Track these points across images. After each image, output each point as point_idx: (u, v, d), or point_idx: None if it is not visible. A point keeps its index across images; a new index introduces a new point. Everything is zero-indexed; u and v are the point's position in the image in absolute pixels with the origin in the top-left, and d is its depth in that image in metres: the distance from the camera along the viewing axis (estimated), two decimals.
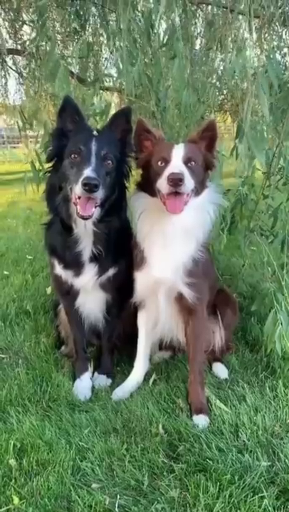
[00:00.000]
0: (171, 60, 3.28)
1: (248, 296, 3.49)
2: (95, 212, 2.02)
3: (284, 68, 3.53)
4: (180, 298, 2.20)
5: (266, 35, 3.75)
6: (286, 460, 1.81)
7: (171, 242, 2.13)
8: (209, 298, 2.42)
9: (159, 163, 2.04)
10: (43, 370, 2.50)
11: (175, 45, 3.07)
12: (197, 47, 4.67)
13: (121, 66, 2.99)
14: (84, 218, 1.97)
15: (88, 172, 1.86)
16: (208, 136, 2.13)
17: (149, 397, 2.27)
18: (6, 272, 4.24)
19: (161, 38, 3.26)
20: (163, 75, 3.43)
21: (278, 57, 3.93)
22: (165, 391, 2.33)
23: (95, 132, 2.09)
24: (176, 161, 2.01)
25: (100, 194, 1.93)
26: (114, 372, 2.57)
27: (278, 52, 3.74)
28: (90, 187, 1.84)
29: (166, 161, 2.02)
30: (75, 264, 2.23)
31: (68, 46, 5.61)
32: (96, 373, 2.54)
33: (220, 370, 2.55)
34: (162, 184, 1.97)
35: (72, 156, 1.99)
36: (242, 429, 2.00)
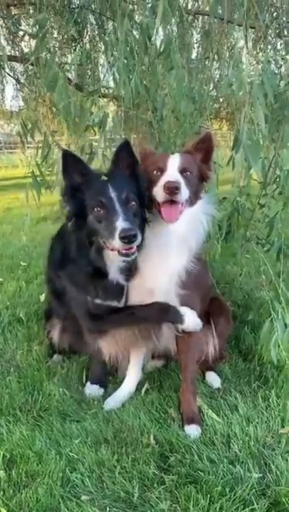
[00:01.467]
0: (168, 70, 3.31)
1: (242, 305, 3.49)
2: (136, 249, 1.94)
3: (279, 79, 3.55)
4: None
5: (262, 45, 3.79)
6: (277, 472, 1.79)
7: (165, 251, 2.13)
8: (202, 307, 2.42)
9: (155, 172, 2.06)
10: (35, 378, 2.49)
11: (172, 56, 3.10)
12: (194, 56, 4.72)
13: (118, 76, 3.02)
14: (128, 256, 1.90)
15: (122, 224, 1.79)
16: (204, 148, 2.15)
17: (141, 407, 2.26)
18: None
19: (158, 48, 3.29)
20: (160, 84, 3.47)
21: (273, 68, 3.96)
22: (157, 400, 2.32)
23: (104, 178, 2.01)
24: (172, 170, 2.02)
25: (138, 239, 1.86)
26: (106, 382, 2.55)
27: (274, 63, 3.77)
28: (129, 239, 1.78)
29: (162, 170, 2.03)
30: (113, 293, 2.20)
31: (66, 53, 5.65)
32: (88, 383, 2.52)
33: (213, 379, 2.54)
34: (158, 192, 1.99)
35: (96, 210, 1.90)
36: (234, 439, 1.99)
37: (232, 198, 3.11)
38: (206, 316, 2.58)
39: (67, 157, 1.99)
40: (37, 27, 2.91)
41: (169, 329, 2.27)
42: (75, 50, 5.30)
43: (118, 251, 1.87)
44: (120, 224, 1.80)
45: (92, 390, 2.48)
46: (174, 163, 2.04)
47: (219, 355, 2.65)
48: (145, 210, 2.10)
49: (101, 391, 2.49)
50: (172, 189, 1.91)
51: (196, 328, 2.19)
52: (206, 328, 2.59)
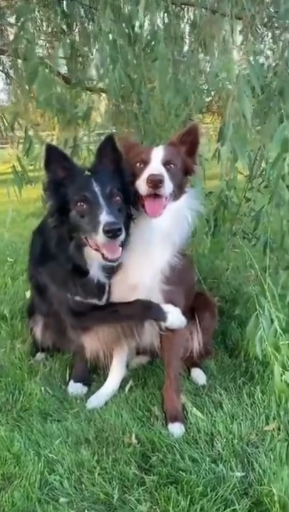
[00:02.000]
0: (152, 61, 3.25)
1: (230, 300, 3.45)
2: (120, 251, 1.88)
3: (266, 71, 3.50)
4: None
5: (249, 36, 3.72)
6: (260, 470, 1.76)
7: (148, 247, 2.09)
8: (187, 303, 2.38)
9: (138, 164, 2.01)
10: (16, 377, 2.44)
11: (156, 47, 3.04)
12: (184, 49, 4.64)
13: (101, 67, 2.95)
14: (112, 261, 1.86)
15: (106, 218, 1.73)
16: (189, 141, 2.10)
17: (124, 405, 2.22)
18: None
19: (143, 39, 3.23)
20: (145, 76, 3.41)
21: (262, 59, 3.90)
22: (141, 398, 2.28)
23: (88, 173, 1.95)
24: (156, 162, 1.97)
25: (122, 235, 1.79)
26: (90, 380, 2.51)
27: (262, 54, 3.70)
28: (113, 233, 1.72)
29: (145, 163, 1.98)
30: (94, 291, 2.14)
31: (54, 46, 5.55)
32: (71, 381, 2.47)
33: (198, 375, 2.51)
34: (141, 185, 1.93)
35: (79, 204, 1.84)
36: (217, 437, 1.96)
37: (218, 192, 3.07)
38: (191, 312, 2.55)
39: (51, 151, 1.94)
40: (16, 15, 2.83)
41: (152, 326, 2.23)
42: (63, 43, 5.22)
43: (102, 255, 1.83)
44: (104, 218, 1.74)
45: (75, 388, 2.43)
46: (157, 155, 1.99)
47: (204, 350, 2.61)
48: (130, 206, 2.04)
49: (84, 389, 2.44)
50: (155, 182, 1.86)
51: (179, 325, 2.15)
52: (190, 323, 2.55)
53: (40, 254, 2.22)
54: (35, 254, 2.34)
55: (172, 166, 2.00)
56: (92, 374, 2.57)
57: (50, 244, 2.04)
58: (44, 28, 5.37)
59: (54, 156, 1.93)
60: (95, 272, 2.03)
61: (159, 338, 2.30)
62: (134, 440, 1.94)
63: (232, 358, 2.68)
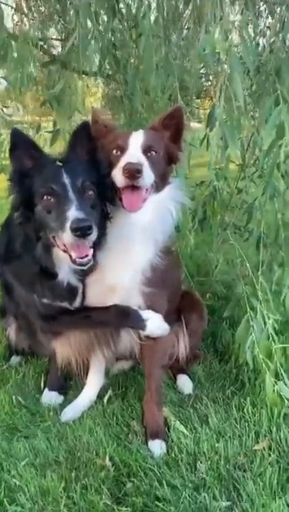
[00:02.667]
0: (137, 38, 2.98)
1: (222, 297, 3.24)
2: (92, 255, 1.64)
3: (263, 50, 3.23)
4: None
5: (244, 10, 3.44)
6: (248, 499, 1.57)
7: (128, 244, 1.85)
8: (171, 305, 2.17)
9: (114, 151, 1.77)
10: None
11: (142, 22, 2.76)
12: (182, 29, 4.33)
13: (79, 44, 2.68)
14: (81, 265, 1.61)
15: (74, 213, 1.50)
16: (174, 125, 1.86)
17: (100, 419, 2.02)
18: None
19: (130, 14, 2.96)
20: (130, 54, 3.14)
21: (258, 37, 3.62)
22: (119, 411, 2.07)
23: (58, 163, 1.71)
24: (134, 149, 1.73)
25: (94, 235, 1.55)
26: (66, 388, 2.31)
27: (258, 30, 3.43)
28: (82, 231, 1.48)
29: (122, 149, 1.74)
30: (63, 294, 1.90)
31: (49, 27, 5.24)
32: (46, 389, 2.27)
33: (184, 383, 2.31)
34: (117, 176, 1.70)
35: (45, 198, 1.60)
36: (201, 459, 1.76)
37: (208, 182, 2.83)
38: (177, 313, 2.34)
39: (16, 137, 1.69)
40: None
41: (130, 334, 2.02)
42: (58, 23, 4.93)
43: (70, 257, 1.60)
44: (73, 213, 1.51)
45: (49, 397, 2.23)
46: (136, 140, 1.76)
47: (192, 355, 2.41)
48: (106, 203, 1.80)
49: (60, 398, 2.24)
50: (133, 172, 1.62)
51: (161, 333, 1.94)
52: (176, 325, 2.35)
53: (6, 250, 1.98)
54: (0, 251, 2.10)
55: (153, 153, 1.76)
56: (69, 381, 2.36)
57: (15, 242, 1.81)
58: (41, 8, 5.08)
59: (20, 143, 1.69)
60: (65, 275, 1.80)
61: (138, 345, 2.09)
62: (108, 463, 1.74)
63: (222, 363, 2.48)
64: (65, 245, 1.60)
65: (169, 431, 1.96)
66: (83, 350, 2.00)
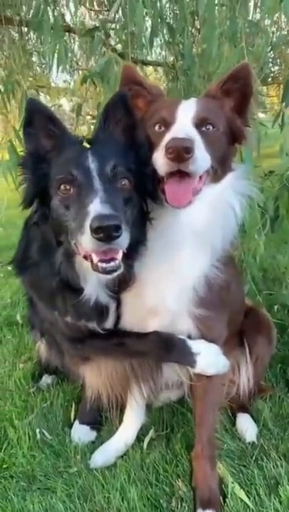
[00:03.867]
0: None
1: None
2: (121, 260, 1.19)
3: None
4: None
5: None
6: None
7: (174, 253, 1.40)
8: (232, 328, 1.70)
9: (157, 127, 1.34)
10: (5, 414, 1.89)
11: None
12: None
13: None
14: (107, 272, 1.18)
15: (96, 207, 1.09)
16: (238, 90, 1.39)
17: (136, 473, 1.59)
18: None
19: None
20: (188, 20, 2.65)
21: None
22: (162, 463, 1.64)
23: (84, 143, 1.32)
24: (183, 122, 1.29)
25: (124, 238, 1.12)
26: (100, 422, 1.91)
27: None
28: (106, 232, 1.06)
29: (168, 124, 1.31)
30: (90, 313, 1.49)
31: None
32: (76, 422, 1.89)
33: (245, 426, 1.83)
34: (159, 159, 1.26)
35: (62, 188, 1.21)
36: None
37: (282, 172, 2.30)
38: (238, 335, 1.87)
39: (33, 109, 1.31)
40: None
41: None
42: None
43: (91, 262, 1.17)
44: (95, 208, 1.09)
45: (79, 433, 1.85)
46: (187, 111, 1.32)
47: (256, 388, 1.92)
48: (147, 199, 1.37)
49: (91, 435, 1.86)
50: (180, 151, 1.18)
51: (217, 371, 1.47)
52: (238, 351, 1.88)
53: (23, 256, 1.61)
54: (17, 254, 1.71)
55: (210, 127, 1.32)
56: (105, 412, 1.96)
57: (31, 247, 1.42)
58: None
59: (37, 117, 1.30)
60: (92, 290, 1.37)
61: (188, 382, 1.64)
62: None
63: None
64: (86, 252, 1.18)
65: (225, 496, 1.50)
66: (116, 383, 1.59)
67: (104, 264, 1.14)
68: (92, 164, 1.21)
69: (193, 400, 1.64)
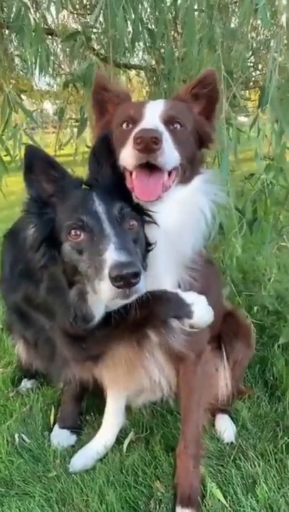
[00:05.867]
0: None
1: (273, 312, 2.72)
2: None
3: None
4: (162, 339, 1.48)
5: None
6: None
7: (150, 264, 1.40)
8: (211, 331, 1.71)
9: (125, 125, 1.36)
10: None
11: None
12: None
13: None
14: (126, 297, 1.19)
15: (113, 255, 1.10)
16: (206, 95, 1.43)
17: (116, 476, 1.59)
18: None
19: None
20: (168, 26, 2.68)
21: None
22: (141, 464, 1.64)
23: (86, 187, 1.35)
24: (151, 118, 1.31)
25: (142, 283, 1.14)
26: (80, 425, 1.90)
27: None
28: (126, 280, 1.09)
29: (135, 121, 1.33)
30: None
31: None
32: (56, 426, 1.88)
33: (224, 427, 1.84)
34: (127, 154, 1.27)
35: (73, 233, 1.22)
36: None
37: (258, 175, 2.33)
38: (216, 338, 1.88)
39: (32, 156, 1.30)
40: None
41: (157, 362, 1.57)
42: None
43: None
44: (111, 255, 1.10)
45: (59, 437, 1.84)
46: (154, 110, 1.34)
47: (235, 391, 1.93)
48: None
49: (71, 439, 1.85)
50: (148, 141, 1.19)
51: (207, 322, 1.44)
52: (216, 354, 1.89)
53: (12, 275, 1.61)
54: (5, 275, 1.70)
55: (178, 126, 1.34)
56: (85, 415, 1.96)
57: (35, 284, 1.41)
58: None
59: (36, 164, 1.30)
60: (100, 316, 1.36)
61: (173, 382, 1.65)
62: None
63: (272, 399, 2.00)
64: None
65: (204, 496, 1.51)
66: (131, 367, 1.55)
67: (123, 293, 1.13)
68: (99, 208, 1.22)
69: (181, 397, 1.63)
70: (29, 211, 1.31)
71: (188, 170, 1.36)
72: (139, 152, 1.20)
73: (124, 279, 1.07)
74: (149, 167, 1.24)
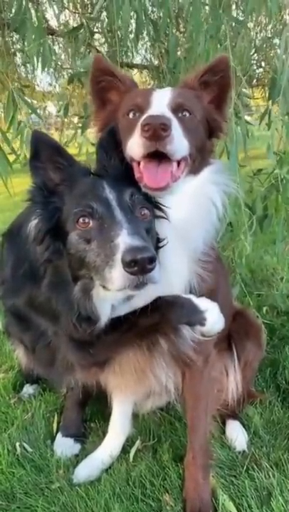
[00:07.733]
0: None
1: (283, 312, 2.63)
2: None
3: None
4: (171, 346, 1.40)
5: None
6: None
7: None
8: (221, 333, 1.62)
9: (132, 114, 1.28)
10: None
11: None
12: None
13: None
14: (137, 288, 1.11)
15: (126, 239, 1.03)
16: (217, 82, 1.35)
17: (122, 487, 1.51)
18: None
19: None
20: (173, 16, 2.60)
21: None
22: (149, 475, 1.56)
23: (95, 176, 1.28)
24: (159, 105, 1.23)
25: (157, 271, 1.07)
26: (84, 433, 1.82)
27: None
28: (141, 266, 1.01)
29: (142, 109, 1.25)
30: None
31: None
32: (59, 435, 1.80)
33: (235, 434, 1.76)
34: (135, 143, 1.20)
35: (81, 221, 1.14)
36: None
37: (270, 170, 2.25)
38: (226, 339, 1.80)
39: (38, 142, 1.23)
40: None
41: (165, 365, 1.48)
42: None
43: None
44: (124, 239, 1.03)
45: (63, 446, 1.76)
46: (161, 97, 1.27)
47: (246, 394, 1.85)
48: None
49: (75, 448, 1.77)
50: (156, 128, 1.11)
51: (219, 329, 1.38)
52: (226, 356, 1.80)
53: (14, 277, 1.53)
54: (6, 276, 1.62)
55: (186, 113, 1.27)
56: (89, 422, 1.88)
57: (37, 280, 1.30)
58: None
59: (43, 150, 1.23)
60: (106, 317, 1.29)
61: (178, 388, 1.57)
62: None
63: (285, 404, 1.90)
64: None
65: (216, 509, 1.42)
66: (140, 372, 1.47)
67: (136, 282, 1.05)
68: (110, 195, 1.15)
69: (186, 404, 1.55)
70: (34, 200, 1.23)
71: (197, 160, 1.28)
72: (147, 140, 1.13)
73: (138, 265, 0.99)
74: (158, 156, 1.16)
